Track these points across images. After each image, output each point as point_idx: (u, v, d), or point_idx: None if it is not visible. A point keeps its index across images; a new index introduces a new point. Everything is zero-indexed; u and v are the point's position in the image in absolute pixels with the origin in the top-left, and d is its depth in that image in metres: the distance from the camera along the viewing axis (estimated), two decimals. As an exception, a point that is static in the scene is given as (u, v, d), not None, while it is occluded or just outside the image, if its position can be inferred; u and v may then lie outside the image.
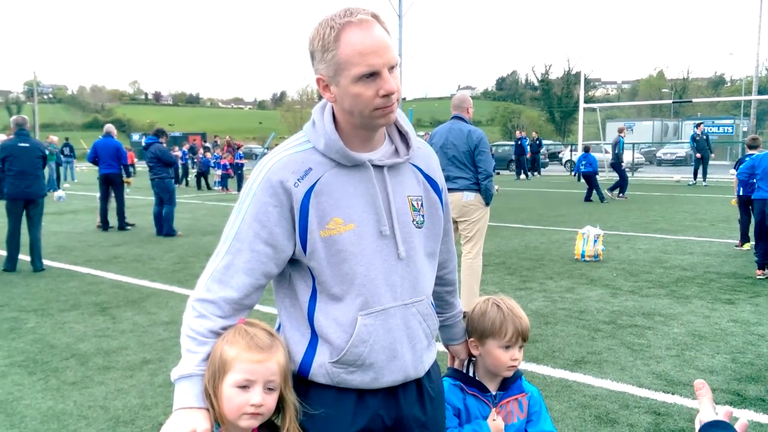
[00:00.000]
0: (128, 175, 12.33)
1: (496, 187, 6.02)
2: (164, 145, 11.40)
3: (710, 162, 21.52)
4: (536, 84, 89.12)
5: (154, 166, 11.10)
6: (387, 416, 1.61)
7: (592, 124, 37.83)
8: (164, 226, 11.05)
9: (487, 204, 5.59)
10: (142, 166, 31.01)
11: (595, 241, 8.28)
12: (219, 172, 23.32)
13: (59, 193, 18.20)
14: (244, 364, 1.47)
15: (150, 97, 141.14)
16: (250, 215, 1.53)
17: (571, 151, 32.92)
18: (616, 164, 17.30)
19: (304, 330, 1.59)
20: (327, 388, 1.57)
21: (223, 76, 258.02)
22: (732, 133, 42.07)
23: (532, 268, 7.86)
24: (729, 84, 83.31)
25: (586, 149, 17.22)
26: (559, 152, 39.87)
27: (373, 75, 1.45)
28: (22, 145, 8.05)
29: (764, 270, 7.18)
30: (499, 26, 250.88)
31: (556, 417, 3.56)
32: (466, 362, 1.99)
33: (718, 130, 41.85)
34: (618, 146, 17.22)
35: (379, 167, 1.58)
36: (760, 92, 38.73)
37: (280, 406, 1.54)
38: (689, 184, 21.02)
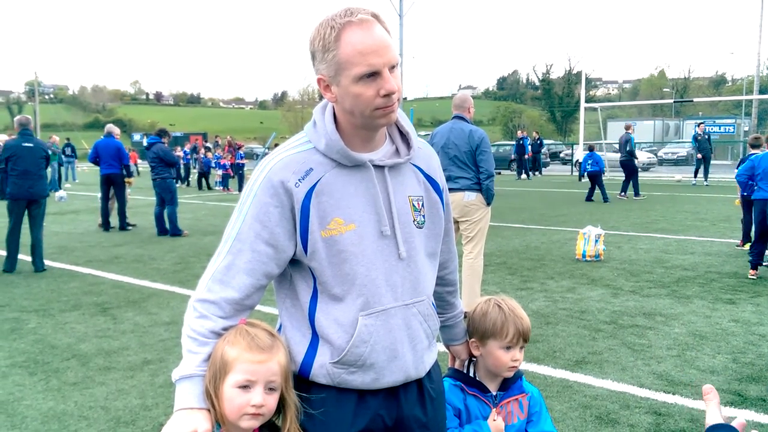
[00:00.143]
0: (129, 175, 12.34)
1: None
2: (166, 145, 11.41)
3: (711, 162, 21.49)
4: (537, 83, 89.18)
5: (156, 166, 11.11)
6: (388, 416, 1.61)
7: (593, 123, 37.88)
8: (170, 227, 11.06)
9: (489, 204, 5.59)
10: (144, 167, 31.06)
11: (596, 241, 8.28)
12: (220, 172, 23.37)
13: (60, 193, 18.23)
14: (245, 364, 1.47)
15: (151, 97, 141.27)
16: (251, 215, 1.53)
17: (572, 151, 32.88)
18: (627, 162, 16.89)
19: (305, 330, 1.59)
20: (328, 388, 1.57)
21: (224, 76, 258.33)
22: (733, 132, 42.05)
23: (533, 268, 7.86)
24: (730, 83, 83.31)
25: (591, 148, 17.16)
26: (560, 152, 39.89)
27: (373, 75, 1.45)
28: (26, 145, 8.06)
29: (757, 270, 7.18)
30: (500, 26, 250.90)
31: (556, 417, 3.56)
32: (466, 362, 1.99)
33: (720, 129, 41.82)
34: (630, 143, 16.82)
35: (379, 167, 1.58)
36: (761, 91, 38.72)
37: (281, 407, 1.54)
38: (693, 184, 21.00)
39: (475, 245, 5.59)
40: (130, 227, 11.97)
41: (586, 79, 34.26)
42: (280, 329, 1.64)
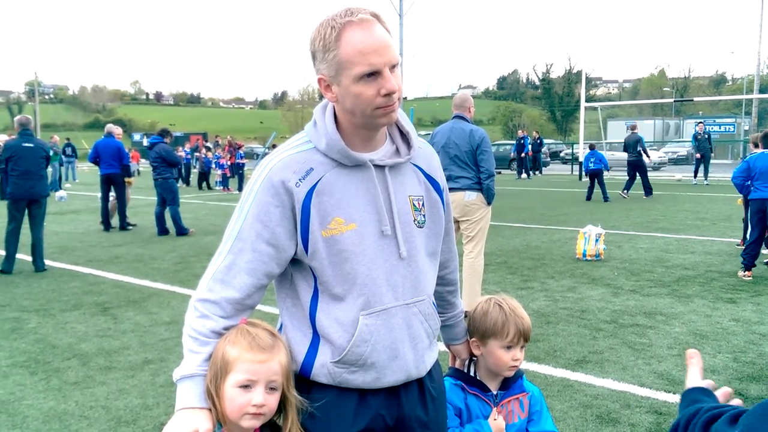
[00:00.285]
0: (129, 174, 12.34)
1: None
2: (168, 145, 11.41)
3: (711, 161, 21.49)
4: (537, 83, 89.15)
5: (158, 166, 11.11)
6: (389, 416, 1.61)
7: (593, 123, 37.87)
8: (175, 226, 11.06)
9: (489, 203, 5.59)
10: (145, 166, 31.07)
11: (597, 240, 8.27)
12: (220, 171, 23.38)
13: (61, 193, 18.24)
14: (245, 364, 1.47)
15: (151, 97, 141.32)
16: (252, 215, 1.53)
17: (572, 150, 32.88)
18: (637, 161, 16.82)
19: (306, 330, 1.59)
20: (329, 388, 1.57)
21: (224, 76, 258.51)
22: (733, 131, 42.03)
23: (533, 268, 7.86)
24: (730, 83, 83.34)
25: (592, 147, 17.16)
26: (560, 151, 39.88)
27: (374, 74, 1.45)
28: (26, 145, 8.06)
29: (751, 271, 7.07)
30: (500, 25, 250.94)
31: (557, 416, 3.56)
32: (467, 362, 1.99)
33: (720, 128, 41.78)
34: (641, 143, 16.75)
35: (380, 167, 1.59)
36: (761, 91, 38.74)
37: (282, 406, 1.54)
38: (693, 184, 20.99)
39: (476, 245, 5.59)
40: (130, 227, 11.97)
41: (587, 78, 34.23)
42: (280, 329, 1.64)
